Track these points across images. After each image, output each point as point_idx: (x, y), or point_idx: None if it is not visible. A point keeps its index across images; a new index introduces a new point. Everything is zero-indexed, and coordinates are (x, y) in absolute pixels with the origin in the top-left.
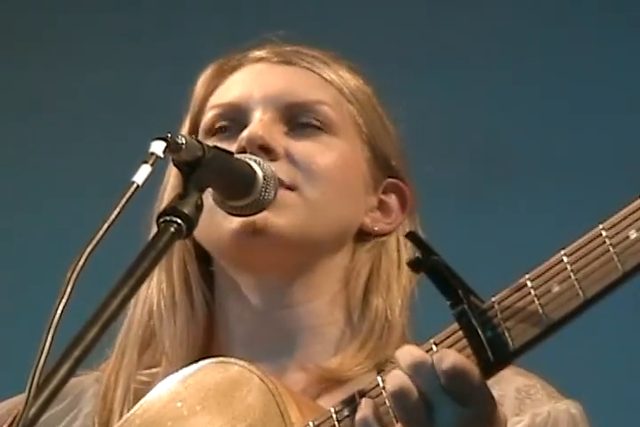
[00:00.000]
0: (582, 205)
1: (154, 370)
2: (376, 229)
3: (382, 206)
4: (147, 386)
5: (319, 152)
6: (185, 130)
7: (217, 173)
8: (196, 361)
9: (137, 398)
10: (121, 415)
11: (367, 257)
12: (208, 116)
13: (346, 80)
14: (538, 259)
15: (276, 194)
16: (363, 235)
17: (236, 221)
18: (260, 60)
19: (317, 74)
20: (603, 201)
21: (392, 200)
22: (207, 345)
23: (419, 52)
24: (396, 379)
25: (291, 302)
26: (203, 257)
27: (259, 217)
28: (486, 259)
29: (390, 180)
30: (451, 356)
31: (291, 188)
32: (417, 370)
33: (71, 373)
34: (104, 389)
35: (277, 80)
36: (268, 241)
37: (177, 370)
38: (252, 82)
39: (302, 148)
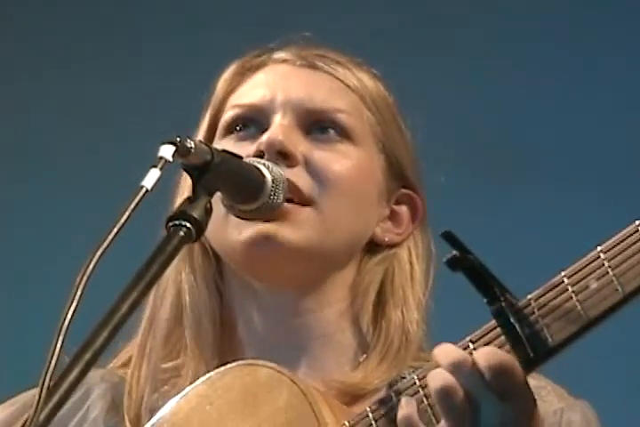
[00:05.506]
0: (590, 203)
1: (170, 364)
2: (386, 239)
3: (393, 217)
4: (166, 384)
5: (336, 161)
6: (204, 126)
7: (226, 176)
8: (223, 364)
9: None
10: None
11: (377, 269)
12: (228, 114)
13: (368, 87)
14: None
15: (284, 198)
16: (373, 245)
17: (245, 234)
18: (284, 61)
19: (340, 80)
20: (611, 197)
21: (403, 211)
22: (221, 345)
23: (420, 52)
24: (439, 377)
25: (300, 310)
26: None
27: (270, 229)
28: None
29: (403, 190)
30: (496, 353)
31: (306, 202)
32: (459, 368)
33: (82, 377)
34: (127, 396)
35: (299, 85)
36: (277, 254)
37: (199, 369)
38: (275, 84)
39: (320, 156)
